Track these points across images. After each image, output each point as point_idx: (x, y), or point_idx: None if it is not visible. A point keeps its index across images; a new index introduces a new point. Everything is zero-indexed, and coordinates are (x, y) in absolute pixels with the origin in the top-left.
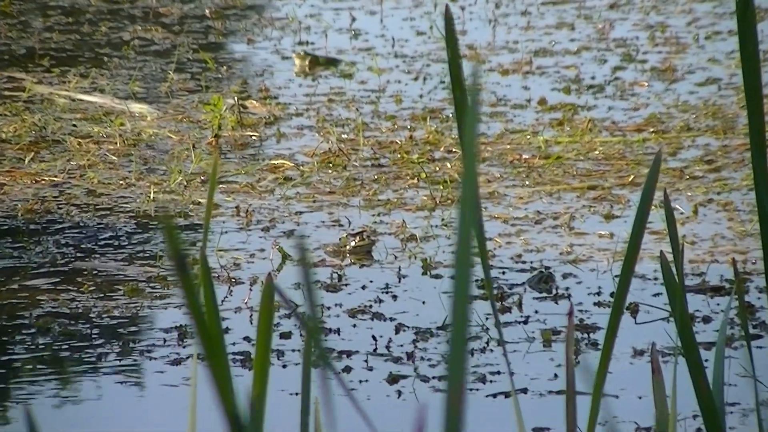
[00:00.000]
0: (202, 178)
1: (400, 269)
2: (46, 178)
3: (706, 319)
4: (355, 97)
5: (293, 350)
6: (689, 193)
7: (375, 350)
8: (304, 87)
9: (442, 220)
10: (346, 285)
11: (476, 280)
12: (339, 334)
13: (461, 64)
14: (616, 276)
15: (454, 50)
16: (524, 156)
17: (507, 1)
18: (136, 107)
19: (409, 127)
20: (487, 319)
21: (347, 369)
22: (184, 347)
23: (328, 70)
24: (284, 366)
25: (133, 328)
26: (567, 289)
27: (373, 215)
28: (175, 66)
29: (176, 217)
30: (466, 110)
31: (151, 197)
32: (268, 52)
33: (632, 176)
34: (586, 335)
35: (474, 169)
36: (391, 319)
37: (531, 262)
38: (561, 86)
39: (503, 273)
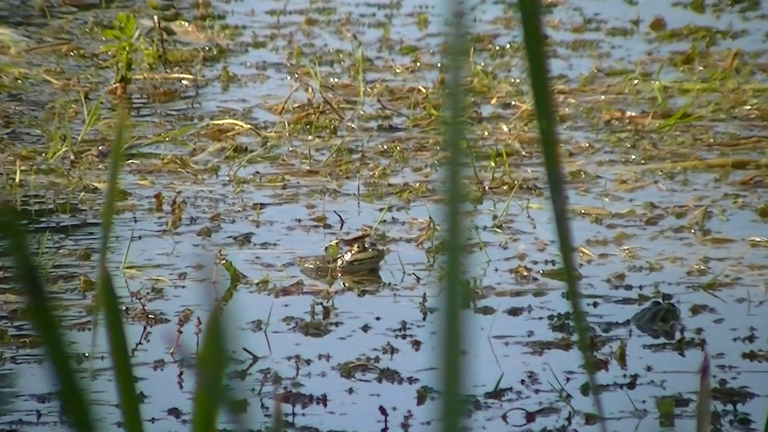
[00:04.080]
0: (100, 148)
1: (425, 298)
2: None
3: None
4: (351, 16)
5: None
6: None
7: (385, 431)
8: None
9: (495, 218)
10: (336, 324)
11: (552, 316)
12: (325, 405)
13: None
14: None
15: None
16: (629, 113)
17: None
18: None
19: (439, 65)
20: (568, 380)
21: None
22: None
23: None
24: None
25: None
26: (699, 331)
27: (381, 209)
28: None
29: (37, 210)
30: (529, 33)
31: (16, 180)
32: None
33: None
34: (730, 407)
35: (459, 143)
36: (410, 381)
37: (640, 288)
38: None
39: (595, 305)
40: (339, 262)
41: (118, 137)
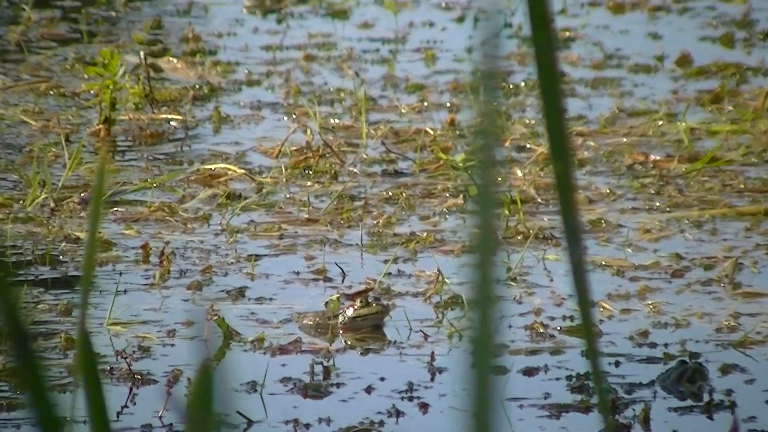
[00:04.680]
0: (83, 194)
1: (433, 357)
2: None
3: None
4: (352, 52)
5: None
6: None
7: None
8: (263, 33)
9: (508, 270)
10: (337, 385)
11: (571, 377)
12: None
13: None
14: None
15: None
16: (653, 156)
17: None
18: None
19: (448, 104)
20: None
21: None
22: None
23: (304, 2)
24: None
25: None
26: (729, 392)
27: (386, 261)
28: None
29: (22, 264)
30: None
31: None
32: None
33: None
34: None
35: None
36: None
37: (665, 346)
38: (717, 33)
39: (616, 364)
40: (340, 318)
41: (99, 182)
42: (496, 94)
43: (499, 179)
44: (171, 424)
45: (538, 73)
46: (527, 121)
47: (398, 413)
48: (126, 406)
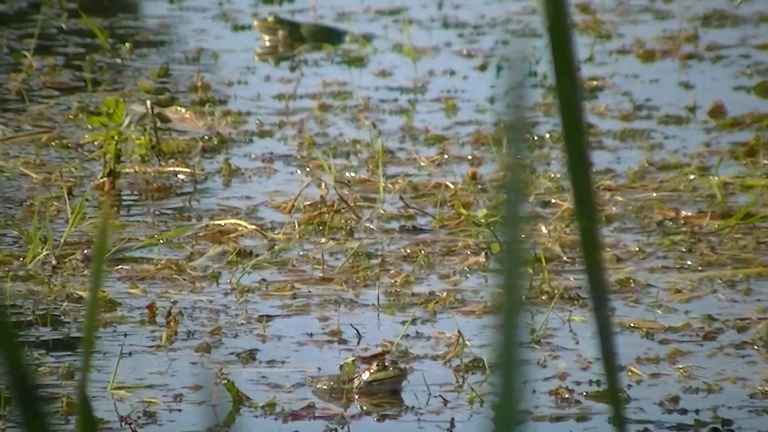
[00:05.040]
0: (86, 251)
1: (452, 424)
2: None
3: None
4: (369, 101)
5: None
6: None
7: None
8: (275, 81)
9: (532, 332)
10: None
11: None
12: None
13: (569, 35)
14: None
15: (557, 10)
16: (684, 212)
17: None
18: None
19: (470, 157)
20: None
21: None
22: None
23: (319, 49)
24: None
25: None
26: None
27: (404, 322)
28: (35, 41)
29: (28, 322)
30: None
31: None
32: (207, 16)
33: None
34: None
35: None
36: None
37: (696, 412)
38: (752, 82)
39: (645, 431)
40: (356, 382)
41: (102, 238)
42: (520, 147)
43: (524, 236)
44: None
45: (563, 125)
46: (552, 175)
47: None
48: None
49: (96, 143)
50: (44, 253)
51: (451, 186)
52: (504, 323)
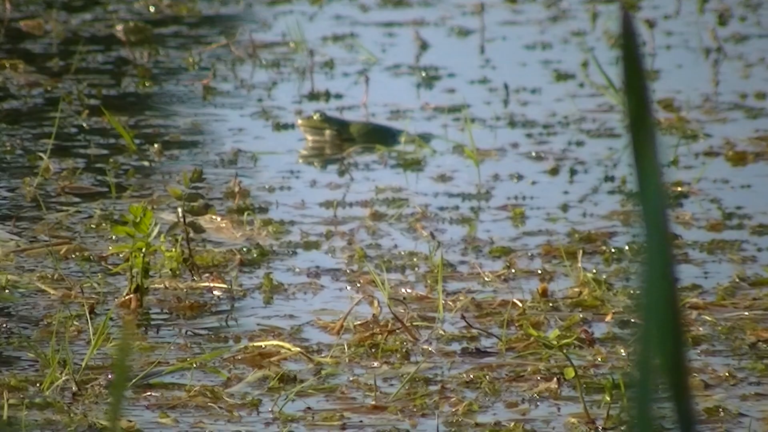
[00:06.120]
0: (109, 376)
1: None
2: None
3: None
4: (427, 209)
5: None
6: None
7: None
8: (322, 187)
9: None
10: None
11: None
12: None
13: (654, 135)
14: None
15: (640, 107)
16: None
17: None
18: None
19: (539, 271)
20: None
21: None
22: None
23: (370, 150)
24: None
25: None
26: None
27: None
28: (52, 142)
29: None
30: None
31: (4, 417)
32: (245, 114)
33: None
34: None
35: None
36: None
37: None
38: None
39: None
40: None
41: (122, 360)
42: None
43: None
44: None
45: (646, 235)
46: (632, 292)
47: None
48: None
49: (121, 256)
50: (63, 378)
51: (519, 304)
52: None
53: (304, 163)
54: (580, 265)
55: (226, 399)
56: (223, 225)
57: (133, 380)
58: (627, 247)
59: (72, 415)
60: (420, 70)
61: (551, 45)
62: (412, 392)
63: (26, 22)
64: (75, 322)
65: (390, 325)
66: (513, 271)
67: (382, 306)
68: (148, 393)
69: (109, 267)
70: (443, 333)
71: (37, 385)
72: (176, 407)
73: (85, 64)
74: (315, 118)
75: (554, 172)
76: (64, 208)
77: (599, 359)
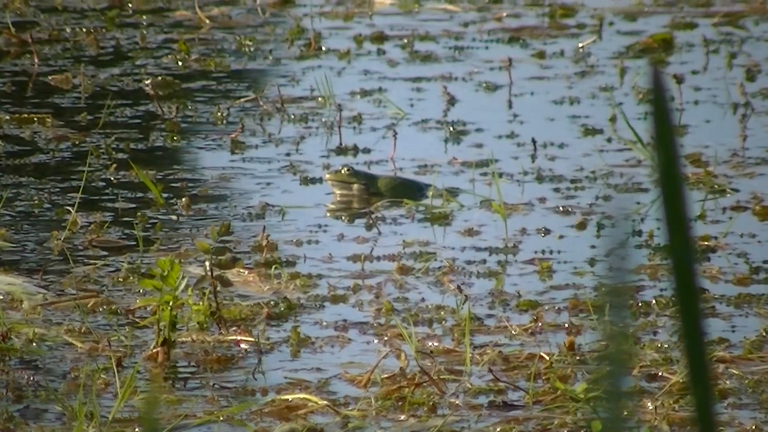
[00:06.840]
0: (137, 430)
1: None
2: None
3: None
4: (454, 263)
5: None
6: None
7: None
8: (349, 241)
9: None
10: None
11: None
12: None
13: (683, 189)
14: None
15: (670, 162)
16: None
17: None
18: None
19: (567, 325)
20: None
21: None
22: None
23: (398, 205)
24: None
25: None
26: None
27: None
28: (79, 196)
29: None
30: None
31: None
32: (273, 168)
33: None
34: None
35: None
36: None
37: None
38: None
39: None
40: None
41: (148, 413)
42: (624, 314)
43: (627, 413)
44: None
45: (676, 289)
46: (659, 345)
47: None
48: None
49: (148, 309)
50: (91, 431)
51: (546, 357)
52: None
53: (331, 217)
54: (608, 318)
55: None
56: (251, 278)
57: None
58: (654, 302)
59: None
60: (448, 124)
61: (579, 100)
62: None
63: (54, 76)
64: (102, 375)
65: (417, 378)
66: (540, 324)
67: (409, 359)
68: None
69: (137, 320)
70: (470, 386)
71: None
72: None
73: (113, 118)
74: (343, 172)
75: (582, 226)
76: (92, 261)
77: (626, 412)
